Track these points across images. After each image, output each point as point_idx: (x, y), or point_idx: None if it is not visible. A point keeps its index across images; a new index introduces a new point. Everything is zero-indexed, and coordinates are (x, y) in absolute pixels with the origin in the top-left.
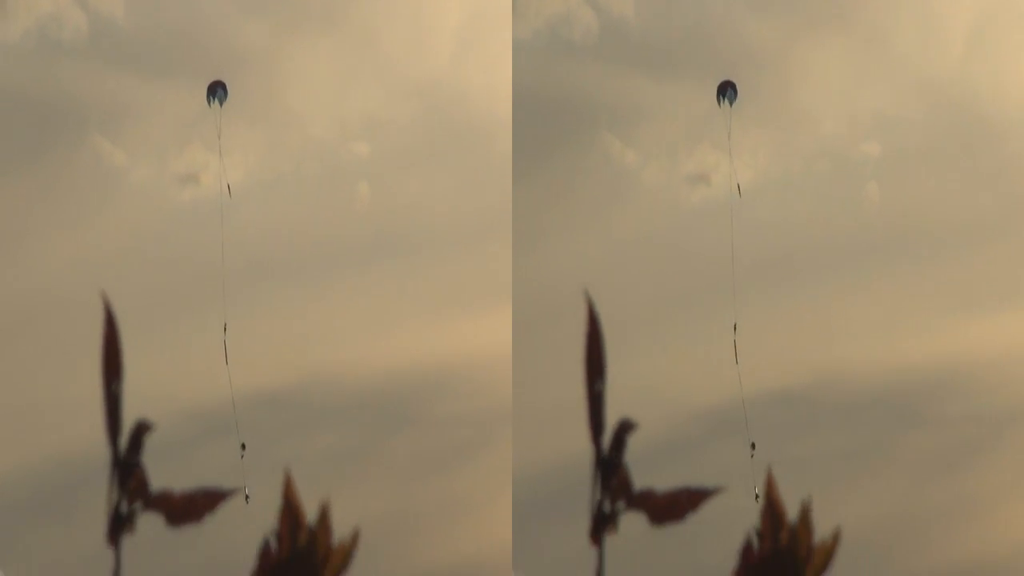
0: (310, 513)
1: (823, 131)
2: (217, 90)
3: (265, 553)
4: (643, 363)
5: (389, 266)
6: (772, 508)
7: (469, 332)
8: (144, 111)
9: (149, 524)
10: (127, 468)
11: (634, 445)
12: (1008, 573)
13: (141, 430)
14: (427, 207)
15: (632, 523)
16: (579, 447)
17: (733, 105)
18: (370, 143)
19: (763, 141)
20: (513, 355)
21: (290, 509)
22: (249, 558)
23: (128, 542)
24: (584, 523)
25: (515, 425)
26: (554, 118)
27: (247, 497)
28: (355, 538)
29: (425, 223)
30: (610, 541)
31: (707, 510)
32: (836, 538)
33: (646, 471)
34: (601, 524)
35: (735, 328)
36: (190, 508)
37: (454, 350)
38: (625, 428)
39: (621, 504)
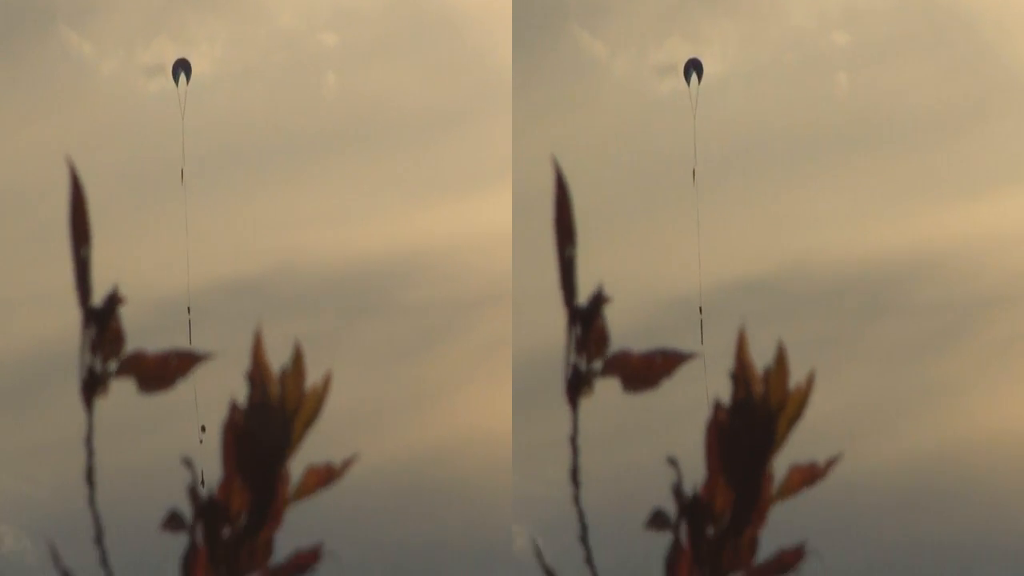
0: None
1: (792, 22)
2: (179, 70)
3: (234, 405)
4: (611, 252)
5: (360, 154)
6: (742, 363)
7: (441, 218)
8: (112, 2)
9: (123, 387)
10: (101, 328)
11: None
12: (978, 458)
13: (113, 302)
14: (395, 97)
15: (607, 384)
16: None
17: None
18: (338, 33)
19: (732, 32)
20: (514, 237)
21: (259, 363)
22: (217, 407)
23: (100, 407)
24: (563, 412)
25: (515, 305)
26: (521, 10)
27: (203, 428)
28: (327, 382)
29: (394, 113)
30: (585, 402)
31: (681, 373)
32: (810, 382)
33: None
34: (576, 385)
35: (698, 216)
36: (163, 372)
37: (437, 235)
38: (599, 299)
39: (597, 365)
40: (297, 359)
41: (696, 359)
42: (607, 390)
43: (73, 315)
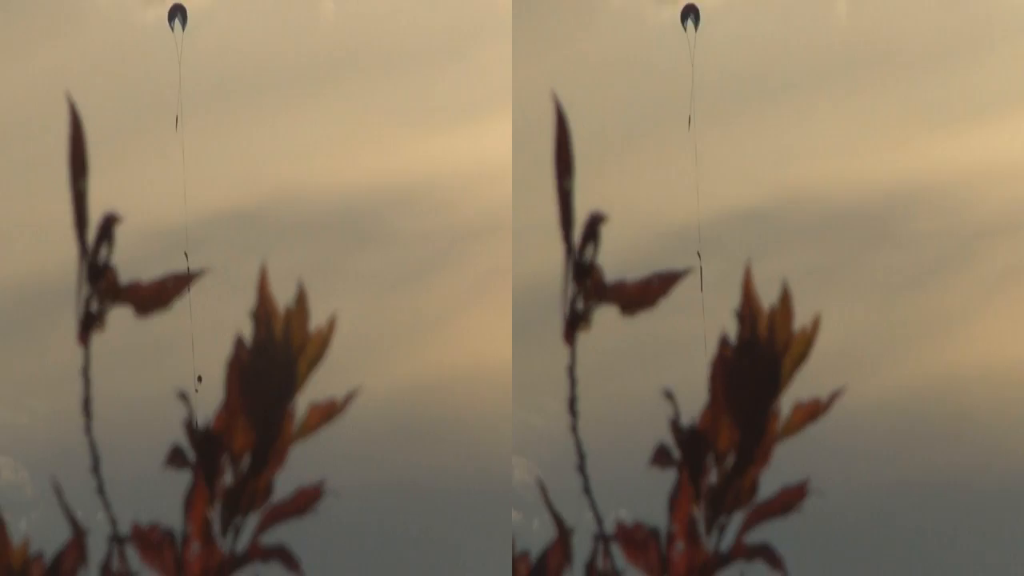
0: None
1: None
2: (175, 16)
3: (239, 342)
4: (609, 183)
5: (359, 84)
6: (748, 298)
7: (441, 148)
8: None
9: (119, 319)
10: (96, 265)
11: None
12: (977, 387)
13: (109, 223)
14: (394, 27)
15: (605, 316)
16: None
17: None
18: None
19: None
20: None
21: (264, 300)
22: (223, 348)
23: (98, 340)
24: (562, 346)
25: (515, 235)
26: None
27: (199, 378)
28: (332, 324)
29: (393, 43)
30: (583, 338)
31: (676, 298)
32: (816, 325)
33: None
34: (574, 321)
35: (696, 147)
36: (160, 294)
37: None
38: (596, 220)
39: (594, 300)
40: (301, 299)
41: (691, 274)
42: (605, 323)
43: (70, 247)
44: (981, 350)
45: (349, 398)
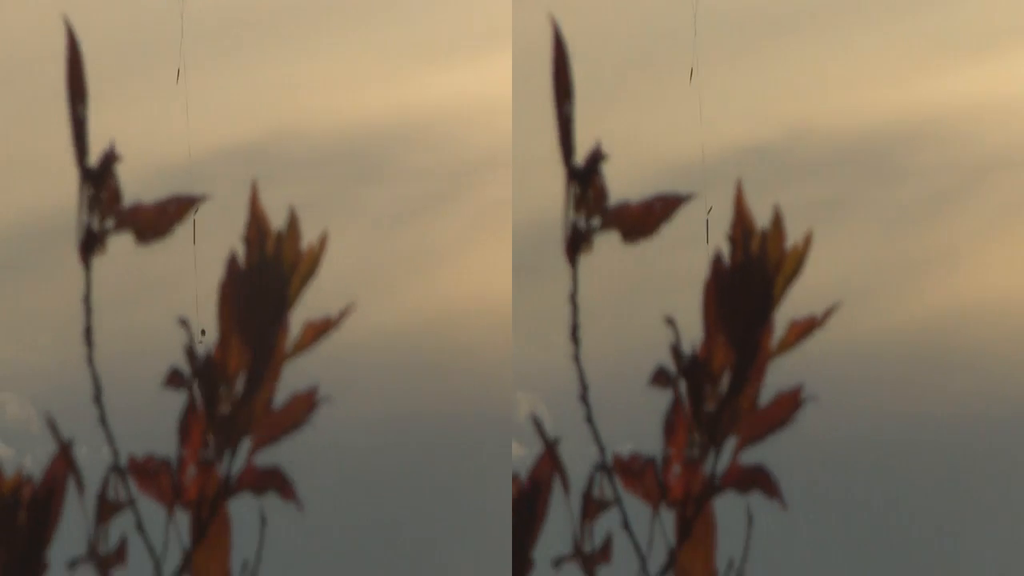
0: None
1: None
2: None
3: (232, 262)
4: (610, 115)
5: (360, 18)
6: (741, 218)
7: (441, 81)
8: None
9: (120, 249)
10: (98, 186)
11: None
12: (981, 320)
13: (109, 160)
14: None
15: (607, 245)
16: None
17: None
18: None
19: None
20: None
21: (256, 219)
22: (215, 269)
23: (99, 271)
24: (563, 276)
25: (515, 170)
26: None
27: (203, 332)
28: (323, 242)
29: None
30: (584, 260)
31: (678, 228)
32: (808, 242)
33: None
34: (576, 242)
35: (692, 75)
36: (161, 218)
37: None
38: (597, 156)
39: (596, 221)
40: (292, 221)
41: (694, 199)
42: (607, 251)
43: (70, 179)
44: (984, 282)
45: (344, 314)
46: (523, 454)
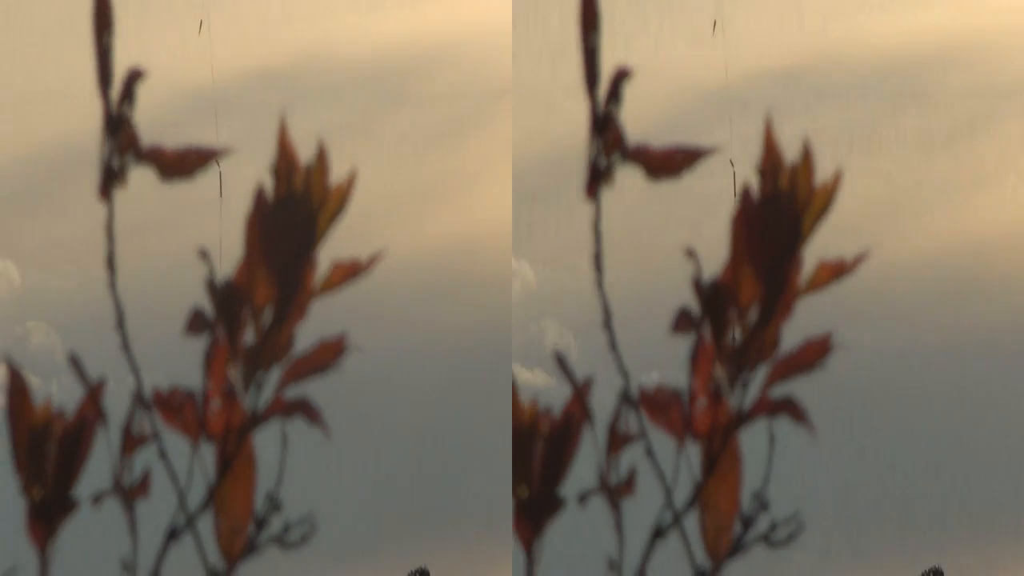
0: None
1: None
2: None
3: (259, 196)
4: (632, 43)
5: None
6: (770, 151)
7: (466, 5)
8: None
9: (140, 177)
10: (119, 121)
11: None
12: (1008, 246)
13: (133, 79)
14: None
15: (629, 176)
16: (580, 124)
17: None
18: None
19: None
20: (513, 29)
21: (285, 152)
22: (243, 204)
23: (120, 197)
24: (583, 203)
25: (515, 101)
26: None
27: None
28: (352, 179)
29: None
30: (606, 195)
31: (702, 169)
32: (837, 180)
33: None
34: (597, 177)
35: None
36: (182, 164)
37: (451, 24)
38: (621, 76)
39: (617, 156)
40: (321, 155)
41: (715, 154)
42: (628, 182)
43: (96, 109)
44: (1011, 210)
45: (373, 259)
46: (542, 380)
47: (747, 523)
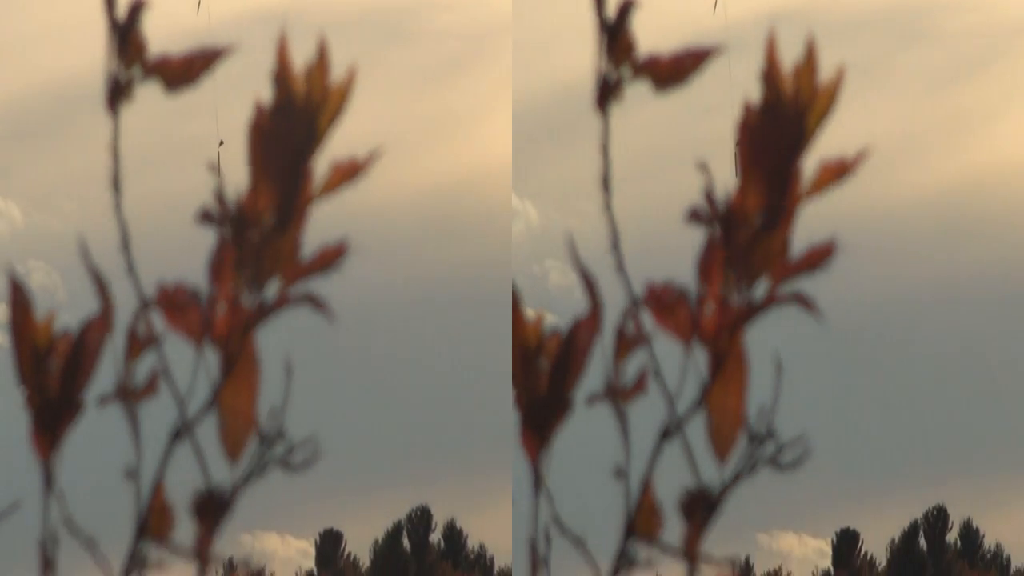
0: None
1: None
2: None
3: (258, 104)
4: None
5: None
6: (772, 59)
7: None
8: None
9: (147, 92)
10: (126, 31)
11: None
12: (1008, 184)
13: (138, 6)
14: None
15: (637, 90)
16: (581, 63)
17: None
18: None
19: None
20: None
21: (283, 59)
22: (244, 112)
23: (127, 111)
24: (585, 142)
25: (515, 39)
26: None
27: (221, 143)
28: (351, 76)
29: None
30: (615, 110)
31: (709, 79)
32: (840, 77)
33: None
34: (606, 92)
35: None
36: (188, 70)
37: None
38: (628, 5)
39: (627, 70)
40: (322, 53)
41: (723, 53)
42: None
43: (98, 50)
44: (1012, 147)
45: (371, 157)
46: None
47: (754, 441)
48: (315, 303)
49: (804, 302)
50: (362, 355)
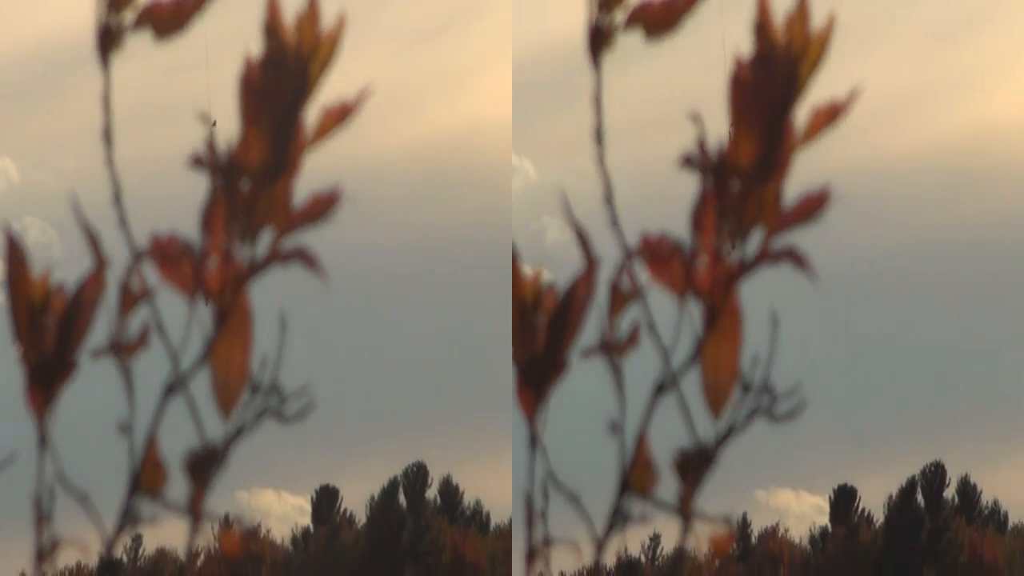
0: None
1: None
2: None
3: (248, 56)
4: None
5: None
6: (763, 8)
7: None
8: None
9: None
10: None
11: None
12: (1008, 138)
13: None
14: None
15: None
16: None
17: None
18: None
19: None
20: None
21: (273, 9)
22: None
23: (119, 67)
24: (584, 99)
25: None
26: None
27: (214, 123)
28: (341, 23)
29: None
30: (608, 59)
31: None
32: (831, 25)
33: None
34: (599, 40)
35: None
36: (178, 15)
37: None
38: None
39: (619, 15)
40: (312, 2)
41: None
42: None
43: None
44: (1015, 102)
45: (361, 97)
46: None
47: (748, 392)
48: (307, 260)
49: (799, 261)
50: (359, 310)
